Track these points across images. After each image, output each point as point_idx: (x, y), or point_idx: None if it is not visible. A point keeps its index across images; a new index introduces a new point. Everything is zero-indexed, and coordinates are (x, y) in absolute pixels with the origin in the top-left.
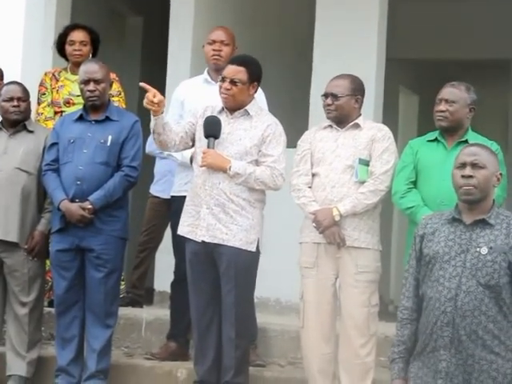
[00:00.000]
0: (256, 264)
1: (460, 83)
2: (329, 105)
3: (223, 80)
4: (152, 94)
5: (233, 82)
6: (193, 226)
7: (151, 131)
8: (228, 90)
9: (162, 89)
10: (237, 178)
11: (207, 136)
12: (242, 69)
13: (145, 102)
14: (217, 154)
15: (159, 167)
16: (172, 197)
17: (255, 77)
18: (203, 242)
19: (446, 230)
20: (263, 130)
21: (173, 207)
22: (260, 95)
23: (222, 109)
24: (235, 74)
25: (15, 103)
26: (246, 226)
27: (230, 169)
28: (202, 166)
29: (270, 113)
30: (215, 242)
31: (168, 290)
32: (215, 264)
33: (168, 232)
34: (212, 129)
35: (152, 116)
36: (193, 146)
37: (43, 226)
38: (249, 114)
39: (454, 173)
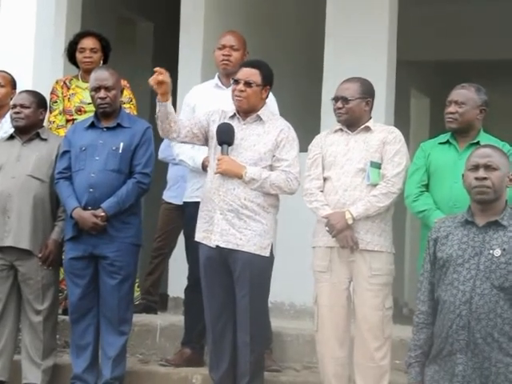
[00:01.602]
0: (270, 269)
1: (470, 84)
2: (339, 108)
3: (237, 82)
4: (161, 73)
5: (247, 84)
6: (207, 231)
7: (155, 116)
8: (242, 91)
9: (173, 94)
10: (252, 183)
11: (221, 143)
12: (255, 71)
13: (152, 80)
14: (232, 161)
15: (172, 173)
16: (184, 203)
17: (268, 80)
18: (217, 247)
19: (459, 232)
20: (276, 135)
21: (185, 213)
22: (271, 101)
23: (234, 114)
24: (249, 75)
25: (17, 110)
26: (260, 231)
27: (245, 175)
28: (217, 173)
29: (281, 117)
30: (229, 247)
31: (182, 295)
32: (229, 269)
33: (181, 238)
34: (225, 136)
35: (157, 101)
36: (199, 143)
37: (56, 235)
38: (261, 119)
39: (466, 174)
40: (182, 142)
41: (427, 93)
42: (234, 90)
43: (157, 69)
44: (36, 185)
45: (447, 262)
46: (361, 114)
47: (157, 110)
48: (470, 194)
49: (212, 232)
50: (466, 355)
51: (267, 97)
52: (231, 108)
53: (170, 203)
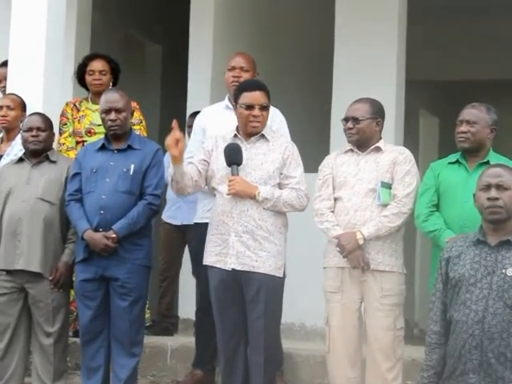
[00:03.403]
0: (282, 289)
1: (480, 104)
2: (350, 128)
3: (251, 108)
4: (176, 135)
5: (264, 108)
6: (220, 254)
7: (169, 178)
8: (258, 116)
9: (182, 116)
10: (265, 203)
11: (230, 164)
12: (264, 93)
13: (168, 142)
14: (244, 181)
15: (171, 193)
16: (195, 223)
17: (269, 99)
18: (233, 270)
19: (472, 252)
20: (282, 153)
21: (196, 234)
22: (282, 122)
23: (235, 136)
24: (263, 99)
25: (34, 133)
26: (274, 252)
27: (258, 195)
28: (229, 194)
29: (289, 138)
30: (245, 269)
31: (192, 317)
32: (242, 290)
33: (188, 259)
34: (234, 156)
35: (171, 164)
36: (203, 185)
37: (67, 257)
38: (264, 137)
39: (478, 195)
40: (190, 195)
41: (436, 113)
42: (248, 116)
43: (174, 125)
44: (46, 207)
45: (460, 282)
46: (371, 134)
47: (171, 173)
48: (483, 213)
49: (227, 255)
50: (478, 375)
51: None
52: (229, 130)
53: (168, 223)
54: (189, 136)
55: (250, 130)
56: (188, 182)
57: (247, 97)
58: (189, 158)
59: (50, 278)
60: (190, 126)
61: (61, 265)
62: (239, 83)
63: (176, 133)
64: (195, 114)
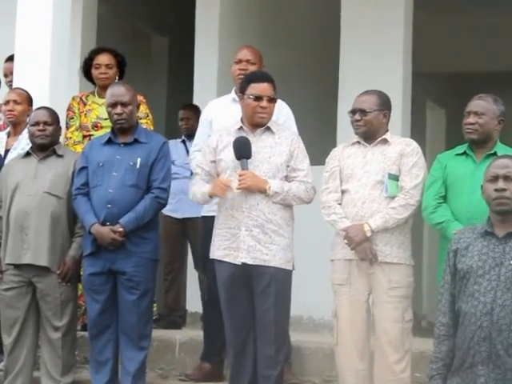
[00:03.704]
0: (291, 282)
1: (487, 95)
2: (357, 120)
3: (259, 99)
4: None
5: (271, 100)
6: (230, 248)
7: (199, 198)
8: (266, 108)
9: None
10: (275, 196)
11: (239, 157)
12: (271, 85)
13: (218, 187)
14: (254, 175)
15: (172, 186)
16: (202, 217)
17: (275, 91)
18: (243, 264)
19: (479, 243)
20: (289, 145)
21: (203, 227)
22: (289, 115)
23: (240, 128)
24: (271, 91)
25: (41, 127)
26: (284, 245)
27: (269, 189)
28: (241, 189)
29: (296, 130)
30: (256, 263)
31: (200, 310)
32: (251, 283)
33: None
34: (243, 150)
35: (213, 192)
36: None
37: (74, 251)
38: (269, 130)
39: (485, 186)
40: None
41: (443, 104)
42: (255, 107)
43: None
44: (53, 202)
45: (468, 274)
46: (379, 126)
47: (205, 194)
48: (490, 205)
49: (238, 249)
50: (487, 367)
51: None
52: (232, 122)
53: (169, 217)
54: (181, 129)
55: (258, 120)
56: None
57: (255, 88)
58: (195, 152)
59: (58, 272)
60: (182, 119)
61: (68, 259)
62: (246, 74)
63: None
64: (185, 106)
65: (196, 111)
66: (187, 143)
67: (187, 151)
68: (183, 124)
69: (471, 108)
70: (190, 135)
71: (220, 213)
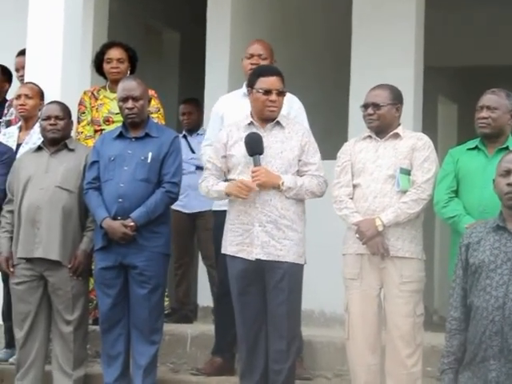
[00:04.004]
0: (302, 276)
1: (500, 90)
2: (370, 114)
3: (268, 93)
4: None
5: (280, 93)
6: (243, 244)
7: (214, 196)
8: (275, 101)
9: (200, 104)
10: (288, 192)
11: (252, 154)
12: (280, 79)
13: (239, 187)
14: (268, 171)
15: None
16: (213, 211)
17: (284, 86)
18: (257, 259)
19: (491, 238)
20: (300, 140)
21: (215, 222)
22: (300, 109)
23: (250, 123)
24: (279, 84)
25: (52, 121)
26: (297, 239)
27: (282, 184)
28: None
29: (307, 125)
30: (270, 258)
31: (211, 305)
32: (263, 278)
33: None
34: (256, 146)
35: (234, 193)
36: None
37: (85, 245)
38: (279, 124)
39: (497, 181)
40: None
41: (454, 99)
42: (265, 101)
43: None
44: (64, 196)
45: (479, 268)
46: (391, 120)
47: (223, 193)
48: (502, 199)
49: (251, 245)
50: (499, 361)
51: None
52: (243, 117)
53: (178, 211)
54: (182, 124)
55: (267, 114)
56: None
57: (264, 82)
58: (207, 146)
59: (69, 266)
60: (183, 114)
61: (79, 253)
62: (254, 68)
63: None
64: (186, 100)
65: (197, 105)
66: (189, 138)
67: (190, 146)
68: (184, 119)
69: (484, 102)
70: (192, 130)
71: (232, 208)
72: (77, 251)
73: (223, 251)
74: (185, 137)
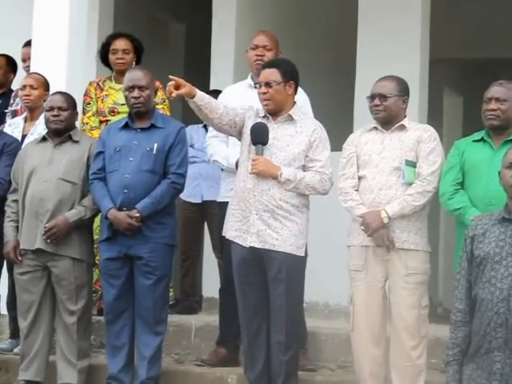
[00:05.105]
0: (304, 268)
1: (508, 82)
2: (377, 105)
3: (259, 86)
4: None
5: (267, 85)
6: (240, 230)
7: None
8: (264, 93)
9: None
10: (287, 184)
11: (256, 143)
12: (273, 70)
13: (169, 93)
14: (267, 161)
15: (190, 171)
16: (218, 203)
17: (289, 75)
18: (251, 247)
19: (497, 230)
20: (309, 135)
21: (220, 213)
22: (305, 100)
23: (265, 115)
24: (268, 76)
25: (55, 112)
26: (295, 231)
27: (280, 176)
28: (252, 173)
29: (312, 117)
30: (266, 247)
31: (216, 296)
32: (263, 269)
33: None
34: (261, 135)
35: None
36: (234, 134)
37: (70, 214)
38: (292, 118)
39: (503, 173)
40: (220, 131)
41: (460, 91)
42: (258, 94)
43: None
44: (68, 188)
45: (484, 260)
46: (397, 111)
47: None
48: (507, 191)
49: (247, 232)
50: (504, 353)
51: (295, 92)
52: (261, 106)
53: (187, 202)
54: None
55: (264, 109)
56: (210, 114)
57: (260, 76)
58: (212, 137)
59: (45, 225)
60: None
61: (60, 218)
62: (262, 63)
63: (170, 88)
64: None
65: (215, 96)
66: (208, 127)
67: None
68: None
69: (492, 94)
70: None
71: (235, 193)
72: (59, 215)
73: (223, 233)
74: (205, 126)
